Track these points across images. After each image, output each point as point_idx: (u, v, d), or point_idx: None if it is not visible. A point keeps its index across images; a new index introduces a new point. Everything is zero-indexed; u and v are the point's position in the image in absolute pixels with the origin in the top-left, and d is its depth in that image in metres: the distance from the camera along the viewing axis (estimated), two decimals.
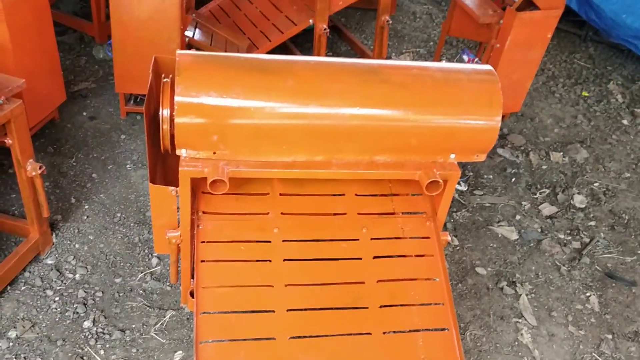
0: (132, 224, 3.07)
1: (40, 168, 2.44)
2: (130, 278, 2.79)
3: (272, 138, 1.92)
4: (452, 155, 2.08)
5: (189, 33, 3.69)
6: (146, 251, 2.93)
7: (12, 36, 2.86)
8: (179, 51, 1.87)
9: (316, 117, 1.91)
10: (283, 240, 2.09)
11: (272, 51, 3.99)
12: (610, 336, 2.87)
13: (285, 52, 4.47)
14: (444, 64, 2.12)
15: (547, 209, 3.59)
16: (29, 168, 2.43)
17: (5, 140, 2.33)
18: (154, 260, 2.89)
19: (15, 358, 2.39)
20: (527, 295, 3.00)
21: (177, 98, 1.78)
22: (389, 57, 4.93)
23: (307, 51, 4.73)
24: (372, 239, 2.16)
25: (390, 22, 4.19)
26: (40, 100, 3.27)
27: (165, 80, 1.99)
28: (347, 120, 1.93)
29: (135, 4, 3.31)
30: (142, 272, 2.83)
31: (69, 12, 4.77)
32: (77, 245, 2.90)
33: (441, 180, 2.01)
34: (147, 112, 2.13)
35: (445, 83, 2.01)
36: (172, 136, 1.94)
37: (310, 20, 3.98)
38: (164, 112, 1.94)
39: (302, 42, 4.80)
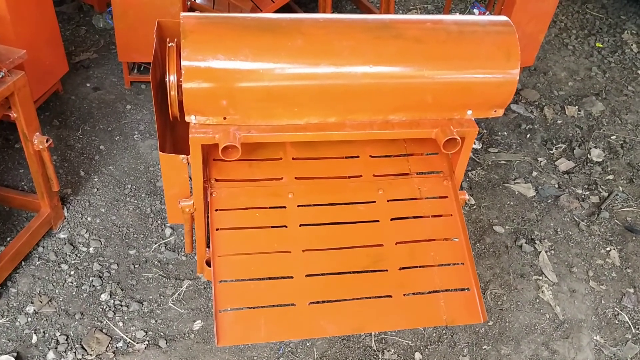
0: (143, 195, 3.03)
1: (47, 141, 2.40)
2: (145, 249, 2.77)
3: (283, 100, 1.86)
4: (469, 112, 2.02)
5: None
6: (159, 222, 2.90)
7: (9, 7, 2.78)
8: (183, 14, 1.79)
9: (328, 77, 1.84)
10: (298, 206, 2.05)
11: (276, 13, 3.88)
12: (632, 290, 2.83)
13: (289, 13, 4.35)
14: (458, 17, 2.03)
15: (564, 164, 3.52)
16: (35, 142, 2.38)
17: (10, 114, 2.28)
18: (168, 231, 2.86)
19: (35, 333, 2.39)
20: (546, 252, 2.95)
21: (183, 63, 1.72)
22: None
23: (312, 12, 4.61)
24: (388, 200, 2.11)
25: None
26: (42, 72, 3.21)
27: (170, 45, 1.92)
28: (360, 79, 1.85)
29: None
30: (156, 243, 2.80)
31: None
32: (89, 219, 2.88)
33: (459, 138, 1.94)
34: (153, 79, 2.07)
35: (460, 36, 1.93)
36: (180, 103, 1.88)
37: None
38: (171, 78, 1.88)
39: (306, 2, 4.68)
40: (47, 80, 3.33)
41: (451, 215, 2.12)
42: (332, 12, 4.42)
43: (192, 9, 3.56)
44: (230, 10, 3.79)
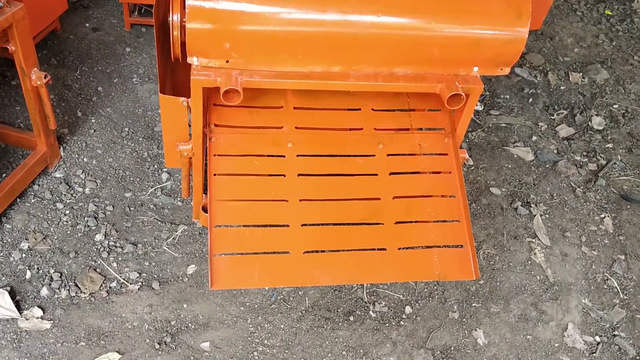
0: (140, 139, 3.01)
1: (45, 77, 2.36)
2: (141, 193, 2.76)
3: (287, 46, 1.82)
4: (475, 68, 1.99)
5: None
6: (156, 166, 2.89)
7: None
8: None
9: (334, 24, 1.80)
10: (297, 155, 2.03)
11: None
12: (622, 257, 2.86)
13: None
14: None
15: (564, 130, 3.50)
16: (33, 77, 2.34)
17: (8, 47, 2.23)
18: (164, 175, 2.85)
19: (29, 269, 2.40)
20: (541, 215, 2.97)
21: (188, 2, 1.67)
22: None
23: None
24: (388, 154, 2.10)
25: None
26: (40, 8, 3.13)
27: None
28: (367, 29, 1.82)
29: None
30: (152, 187, 2.79)
31: None
32: (85, 159, 2.86)
33: (463, 94, 1.92)
34: (156, 19, 2.02)
35: None
36: (182, 44, 1.84)
37: None
38: (174, 18, 1.83)
39: None
40: (45, 17, 3.25)
41: (450, 172, 2.11)
42: None
43: None
44: None
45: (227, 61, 1.82)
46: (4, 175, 2.70)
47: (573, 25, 4.47)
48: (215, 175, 1.96)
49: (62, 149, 2.87)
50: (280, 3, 1.75)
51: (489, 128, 3.44)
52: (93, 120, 3.06)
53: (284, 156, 2.03)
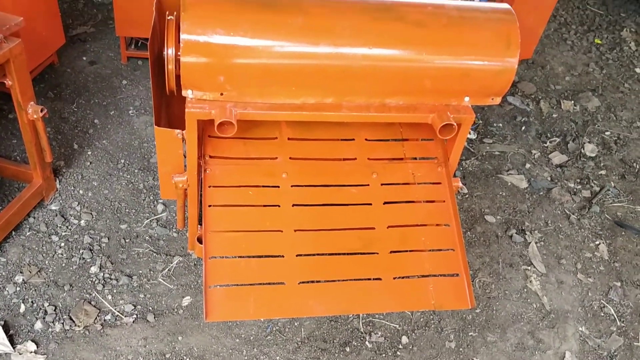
0: (136, 171, 3.02)
1: (41, 111, 2.38)
2: (136, 224, 2.76)
3: (280, 79, 1.85)
4: (467, 98, 2.02)
5: None
6: (151, 198, 2.89)
7: None
8: None
9: (326, 56, 1.83)
10: (292, 186, 2.05)
11: None
12: (618, 284, 2.86)
13: None
14: (460, 2, 2.03)
15: (557, 158, 3.53)
16: (30, 111, 2.36)
17: (5, 82, 2.26)
18: (160, 207, 2.85)
19: (23, 302, 2.39)
20: (536, 243, 2.97)
21: (182, 36, 1.71)
22: None
23: None
24: (382, 184, 2.12)
25: None
26: (38, 43, 3.18)
27: (169, 18, 1.90)
28: (359, 61, 1.85)
29: None
30: (147, 219, 2.80)
31: None
32: (81, 192, 2.87)
33: (455, 124, 1.95)
34: (151, 53, 2.05)
35: (461, 22, 1.92)
36: (177, 77, 1.87)
37: None
38: (169, 52, 1.86)
39: None
40: (43, 51, 3.30)
41: (444, 201, 2.13)
42: None
43: None
44: None
45: (221, 94, 1.85)
46: None
47: (564, 54, 4.54)
48: (210, 206, 1.97)
49: (58, 181, 2.87)
50: (273, 36, 1.78)
51: (483, 156, 3.47)
52: (89, 153, 3.07)
53: (278, 186, 2.05)
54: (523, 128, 3.74)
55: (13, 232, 2.61)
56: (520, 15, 3.57)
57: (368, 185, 2.11)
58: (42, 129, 2.45)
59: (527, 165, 3.45)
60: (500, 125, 3.74)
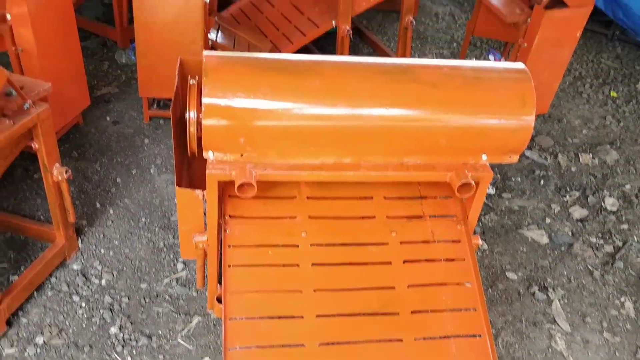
0: (157, 229, 3.05)
1: (66, 172, 2.44)
2: (156, 283, 2.77)
3: (299, 140, 1.88)
4: (484, 157, 2.03)
5: (211, 36, 3.68)
6: (172, 256, 2.91)
7: (37, 40, 2.87)
8: (205, 52, 1.84)
9: (344, 118, 1.87)
10: (311, 245, 2.05)
11: (295, 54, 3.95)
12: None
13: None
14: (475, 62, 2.07)
15: (578, 212, 3.50)
16: (55, 172, 2.42)
17: (32, 145, 2.33)
18: (180, 266, 2.86)
19: None
20: (559, 300, 2.92)
21: (204, 99, 1.76)
22: None
23: (329, 54, 4.69)
24: (401, 242, 2.11)
25: (414, 22, 4.13)
26: (65, 105, 3.28)
27: (192, 82, 1.96)
28: (376, 121, 1.88)
29: (159, 8, 3.31)
30: (167, 278, 2.80)
31: (92, 18, 4.80)
32: (102, 250, 2.89)
33: (473, 182, 1.95)
34: (173, 115, 2.11)
35: (476, 82, 1.96)
36: (199, 139, 1.91)
37: (333, 22, 3.95)
38: (191, 115, 1.91)
39: (323, 46, 4.77)
40: (69, 113, 3.40)
41: (464, 259, 2.11)
42: (350, 55, 4.49)
43: (213, 48, 3.64)
44: (250, 50, 3.87)
45: (242, 155, 1.88)
46: (22, 267, 2.73)
47: (580, 108, 4.56)
48: (229, 266, 1.97)
49: (80, 240, 2.91)
50: (292, 99, 1.83)
51: (502, 211, 3.45)
52: (111, 211, 3.12)
53: (297, 246, 2.05)
54: (542, 182, 3.72)
55: (35, 292, 2.63)
56: (535, 72, 3.61)
57: (387, 243, 2.10)
58: (66, 190, 2.50)
59: (547, 220, 3.42)
60: (519, 179, 3.73)
